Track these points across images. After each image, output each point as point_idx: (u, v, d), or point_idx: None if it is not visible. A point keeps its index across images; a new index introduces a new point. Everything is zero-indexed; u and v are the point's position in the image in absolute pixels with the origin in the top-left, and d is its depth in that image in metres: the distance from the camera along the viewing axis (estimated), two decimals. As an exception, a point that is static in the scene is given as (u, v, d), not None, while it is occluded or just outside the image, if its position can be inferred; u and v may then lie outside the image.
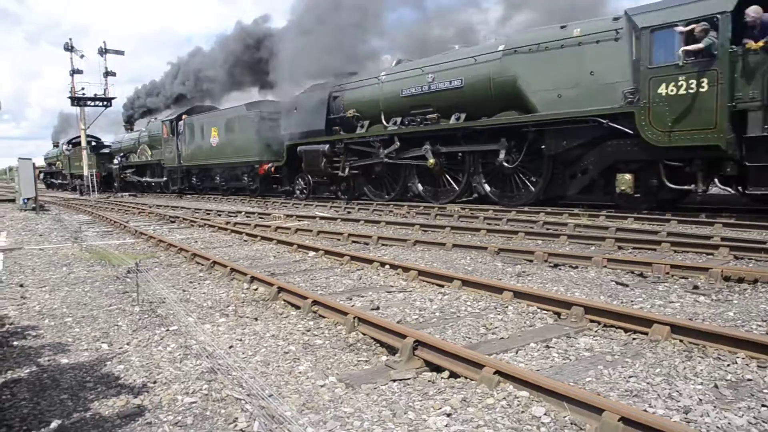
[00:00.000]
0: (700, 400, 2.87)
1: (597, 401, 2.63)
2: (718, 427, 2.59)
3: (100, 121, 39.71)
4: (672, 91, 10.70)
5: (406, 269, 6.34)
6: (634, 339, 3.89)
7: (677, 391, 2.97)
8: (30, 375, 3.57)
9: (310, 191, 20.59)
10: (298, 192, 21.29)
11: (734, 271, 5.48)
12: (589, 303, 4.44)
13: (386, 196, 17.81)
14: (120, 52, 37.18)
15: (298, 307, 4.98)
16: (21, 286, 6.49)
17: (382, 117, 17.45)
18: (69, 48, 34.85)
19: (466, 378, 3.21)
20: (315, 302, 4.85)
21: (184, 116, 29.27)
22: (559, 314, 4.50)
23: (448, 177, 15.91)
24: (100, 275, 7.04)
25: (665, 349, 3.63)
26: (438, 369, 3.40)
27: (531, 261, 6.95)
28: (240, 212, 16.32)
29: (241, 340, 4.16)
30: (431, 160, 15.53)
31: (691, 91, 10.46)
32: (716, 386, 3.03)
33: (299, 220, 13.40)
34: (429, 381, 3.28)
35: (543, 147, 13.14)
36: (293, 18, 24.08)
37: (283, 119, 21.31)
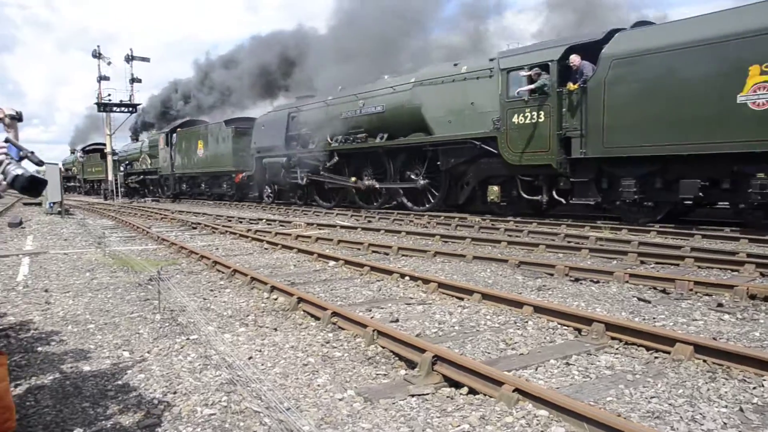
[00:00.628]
0: (725, 423, 2.82)
1: (618, 423, 2.59)
2: (742, 453, 2.54)
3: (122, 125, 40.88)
4: (521, 120, 13.50)
5: (426, 281, 6.33)
6: (656, 358, 3.83)
7: (700, 414, 2.92)
8: (53, 382, 3.62)
9: (275, 197, 24.52)
10: (265, 197, 25.09)
11: (761, 289, 5.38)
12: (611, 320, 4.39)
13: (332, 203, 21.00)
14: (146, 59, 37.79)
15: (317, 318, 4.99)
16: (46, 290, 6.59)
17: (328, 135, 20.27)
18: (97, 55, 35.49)
19: (485, 395, 3.19)
20: (334, 313, 4.86)
21: (177, 129, 33.15)
22: (579, 330, 4.46)
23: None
24: (123, 282, 7.12)
25: (688, 369, 3.58)
26: (457, 385, 3.38)
27: (552, 275, 6.90)
28: (261, 219, 16.43)
29: (260, 350, 4.18)
30: (353, 178, 19.30)
31: (533, 121, 13.26)
32: (741, 410, 2.97)
33: (320, 229, 13.45)
34: (448, 397, 3.26)
35: (439, 163, 16.13)
36: (334, 24, 25.83)
37: (254, 134, 24.86)
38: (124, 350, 4.26)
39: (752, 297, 5.34)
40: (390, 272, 6.97)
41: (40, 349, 4.34)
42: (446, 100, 15.90)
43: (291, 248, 9.71)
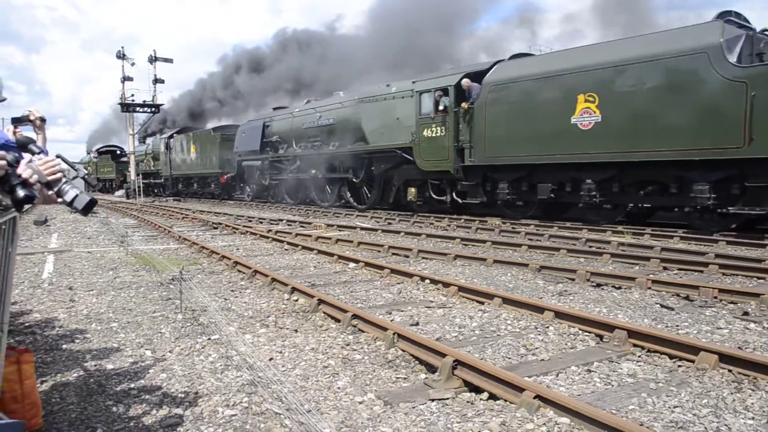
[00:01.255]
0: (750, 435, 2.78)
1: (641, 433, 2.57)
2: (768, 466, 2.50)
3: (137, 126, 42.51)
4: (429, 133, 16.58)
5: (446, 284, 6.32)
6: (679, 366, 3.79)
7: (726, 425, 2.88)
8: (77, 379, 3.67)
9: (254, 196, 27.96)
10: (246, 196, 28.88)
11: (787, 298, 5.29)
12: (633, 327, 4.34)
13: (296, 201, 24.31)
14: (169, 60, 38.11)
15: (338, 320, 5.00)
16: (70, 288, 6.68)
17: (293, 143, 24.06)
18: (121, 56, 35.89)
19: (505, 401, 3.17)
20: (355, 316, 4.86)
21: (174, 135, 36.86)
22: (601, 337, 4.42)
23: (328, 188, 22.44)
24: (145, 281, 7.20)
25: (713, 378, 3.53)
26: (477, 390, 3.37)
27: (573, 279, 6.85)
28: (281, 220, 16.51)
29: (281, 352, 4.20)
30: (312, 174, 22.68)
31: (437, 134, 16.35)
32: None
33: (339, 230, 13.48)
34: (468, 402, 3.25)
35: (373, 168, 19.45)
36: (371, 22, 29.26)
37: (236, 140, 28.30)
38: (146, 349, 4.31)
39: (778, 306, 5.25)
40: (410, 275, 6.97)
41: (64, 346, 4.41)
42: (380, 115, 18.83)
43: (311, 249, 9.75)
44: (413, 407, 3.16)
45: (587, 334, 4.53)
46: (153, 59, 37.01)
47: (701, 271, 7.22)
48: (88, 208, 2.09)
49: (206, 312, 5.44)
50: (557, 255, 8.87)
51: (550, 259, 8.56)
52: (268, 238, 11.68)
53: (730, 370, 3.59)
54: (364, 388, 3.49)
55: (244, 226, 14.01)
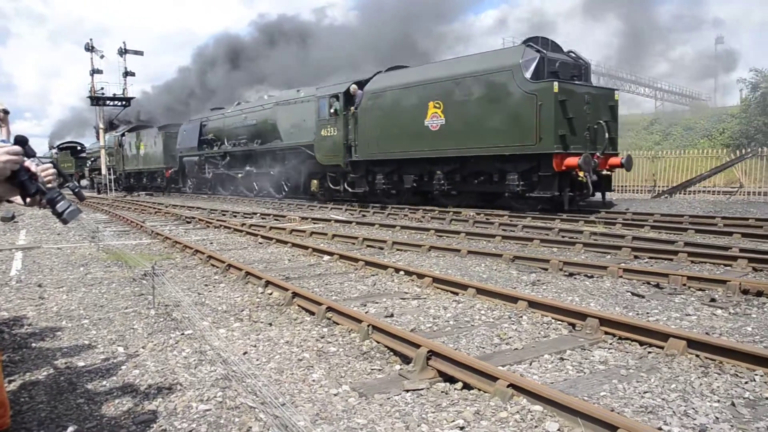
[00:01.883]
0: (717, 418, 2.84)
1: (611, 418, 2.61)
2: (734, 447, 2.56)
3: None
4: (326, 133, 19.69)
5: (420, 276, 6.34)
6: (649, 353, 3.86)
7: (693, 409, 2.94)
8: (47, 378, 3.61)
9: (194, 188, 31.11)
10: (187, 188, 32.10)
11: (753, 284, 5.42)
12: (605, 315, 4.41)
13: (228, 192, 27.28)
14: (139, 53, 37.62)
15: (312, 313, 4.99)
16: (39, 286, 6.57)
17: (225, 140, 27.32)
18: (89, 48, 35.26)
19: (479, 390, 3.20)
20: (329, 308, 4.86)
21: (126, 133, 38.98)
22: (573, 325, 4.48)
23: (254, 181, 25.47)
24: (117, 276, 7.11)
25: (681, 364, 3.60)
26: (452, 380, 3.40)
27: (546, 269, 6.92)
28: (255, 213, 16.41)
29: (255, 346, 4.19)
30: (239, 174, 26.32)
31: (331, 134, 19.47)
32: (733, 404, 3.00)
33: (314, 223, 13.44)
34: (442, 392, 3.28)
35: (285, 162, 22.61)
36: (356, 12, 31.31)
37: (178, 138, 31.44)
38: (118, 346, 4.26)
39: (745, 292, 5.37)
40: (385, 267, 6.98)
41: (34, 344, 4.33)
42: (291, 117, 22.15)
43: (285, 243, 9.70)
44: (388, 398, 3.17)
45: (560, 322, 4.59)
46: (123, 51, 36.46)
47: (671, 259, 7.35)
48: (73, 218, 2.08)
49: (179, 307, 5.39)
50: (531, 245, 8.96)
51: (524, 249, 8.64)
52: (242, 231, 11.60)
53: (697, 355, 3.67)
54: (339, 380, 3.49)
55: (217, 220, 13.90)
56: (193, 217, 14.92)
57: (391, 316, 4.96)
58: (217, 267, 7.48)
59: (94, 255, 8.98)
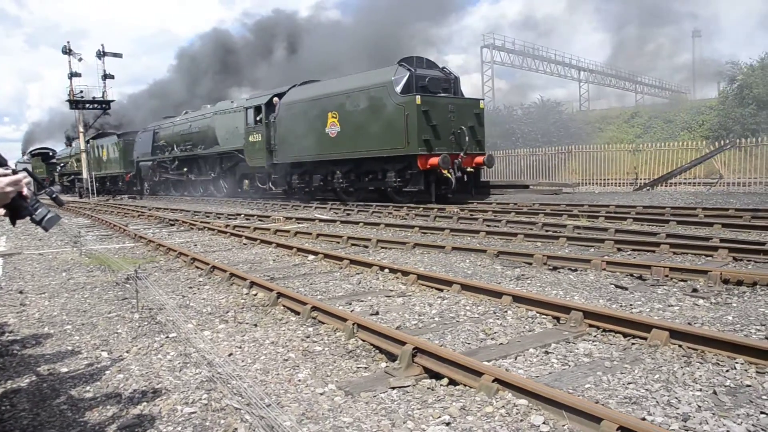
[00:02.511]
0: (699, 407, 2.88)
1: (595, 410, 2.63)
2: (716, 435, 2.59)
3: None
4: (253, 139, 22.81)
5: (405, 273, 6.35)
6: (633, 344, 3.89)
7: (676, 398, 2.98)
8: (30, 385, 3.57)
9: (150, 191, 34.00)
10: (145, 191, 34.73)
11: (733, 274, 5.48)
12: (589, 308, 4.44)
13: (179, 194, 30.23)
14: (118, 55, 37.19)
15: (297, 313, 4.98)
16: (21, 292, 6.49)
17: (174, 147, 30.19)
18: (67, 51, 34.80)
19: (465, 385, 3.21)
20: (314, 308, 4.85)
21: (90, 140, 40.62)
22: (558, 319, 4.51)
23: (199, 183, 28.65)
24: (100, 281, 7.04)
25: (664, 354, 3.64)
26: (437, 376, 3.40)
27: (530, 264, 6.96)
28: (239, 215, 16.34)
29: (240, 347, 4.17)
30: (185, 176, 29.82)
31: (257, 140, 22.48)
32: (715, 392, 3.03)
33: (298, 223, 13.41)
34: (428, 388, 3.28)
35: (223, 165, 26.14)
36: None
37: (135, 144, 34.83)
38: (102, 350, 4.22)
39: (725, 281, 5.44)
40: (369, 265, 6.98)
41: (15, 351, 4.28)
42: (226, 125, 25.16)
43: (270, 243, 9.67)
44: (374, 396, 3.17)
45: (545, 316, 4.62)
46: (101, 54, 36.04)
47: (653, 251, 7.41)
48: (52, 225, 2.07)
49: (164, 310, 5.35)
50: (515, 240, 9.00)
51: (508, 245, 8.67)
52: (226, 233, 11.54)
53: (680, 345, 3.70)
54: (325, 379, 3.48)
55: (201, 222, 13.81)
56: (177, 220, 14.82)
57: (377, 314, 4.96)
58: (202, 269, 7.44)
59: (77, 260, 8.89)
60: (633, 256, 7.35)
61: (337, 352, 4.01)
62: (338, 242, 9.73)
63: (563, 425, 2.69)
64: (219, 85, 39.67)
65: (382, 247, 8.95)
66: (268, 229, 11.63)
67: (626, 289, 5.53)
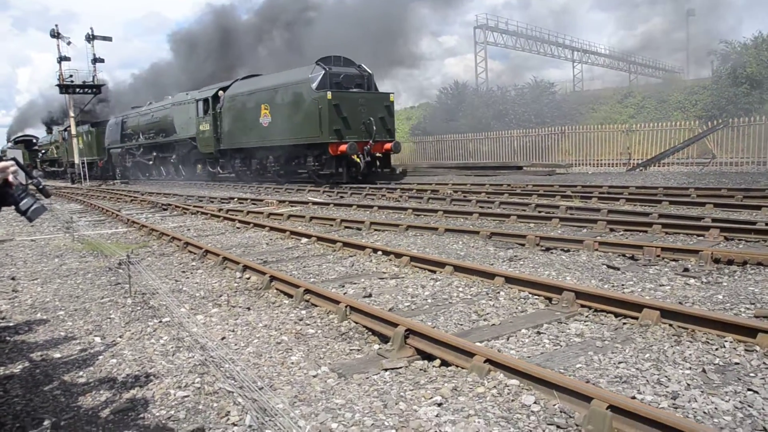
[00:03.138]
0: (688, 385, 2.90)
1: (586, 389, 2.65)
2: (705, 412, 2.62)
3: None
4: (203, 128, 25.55)
5: (398, 255, 6.36)
6: (624, 324, 3.92)
7: (666, 377, 3.00)
8: (23, 371, 3.57)
9: (121, 176, 35.99)
10: (116, 176, 36.78)
11: (724, 253, 5.51)
12: (580, 288, 4.46)
13: (146, 177, 33.01)
14: (108, 39, 36.81)
15: (290, 296, 4.99)
16: (13, 278, 6.47)
17: (140, 135, 32.59)
18: (56, 35, 34.40)
19: (457, 366, 3.23)
20: (307, 291, 4.86)
21: (68, 128, 41.14)
22: (550, 299, 4.53)
23: (162, 167, 31.74)
24: (93, 266, 7.03)
25: (655, 333, 3.66)
26: (430, 357, 3.42)
27: (523, 245, 6.98)
28: (232, 198, 16.29)
29: (233, 330, 4.18)
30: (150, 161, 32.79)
31: (206, 128, 25.27)
32: (704, 371, 3.06)
33: (292, 206, 13.38)
34: (420, 370, 3.30)
35: (180, 151, 28.67)
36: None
37: (106, 132, 37.49)
38: (95, 336, 4.22)
39: (716, 261, 5.47)
40: (362, 247, 6.98)
41: (8, 338, 4.28)
42: (182, 115, 27.51)
43: (263, 226, 9.66)
44: (367, 378, 3.19)
45: (537, 297, 4.64)
46: (90, 38, 35.66)
47: (645, 231, 7.44)
48: (38, 215, 2.05)
49: (157, 295, 5.35)
50: (508, 221, 9.01)
51: (501, 226, 8.68)
52: (219, 217, 11.51)
53: (670, 325, 3.73)
54: (318, 361, 3.50)
55: (194, 206, 13.76)
56: (170, 204, 14.76)
57: (370, 296, 4.98)
58: (195, 253, 7.43)
59: (69, 246, 8.86)
60: (625, 236, 7.38)
61: (330, 334, 4.02)
62: (331, 225, 9.73)
63: (554, 405, 2.71)
64: (220, 63, 39.28)
65: (375, 230, 8.95)
66: (262, 213, 11.61)
67: (618, 269, 5.56)
